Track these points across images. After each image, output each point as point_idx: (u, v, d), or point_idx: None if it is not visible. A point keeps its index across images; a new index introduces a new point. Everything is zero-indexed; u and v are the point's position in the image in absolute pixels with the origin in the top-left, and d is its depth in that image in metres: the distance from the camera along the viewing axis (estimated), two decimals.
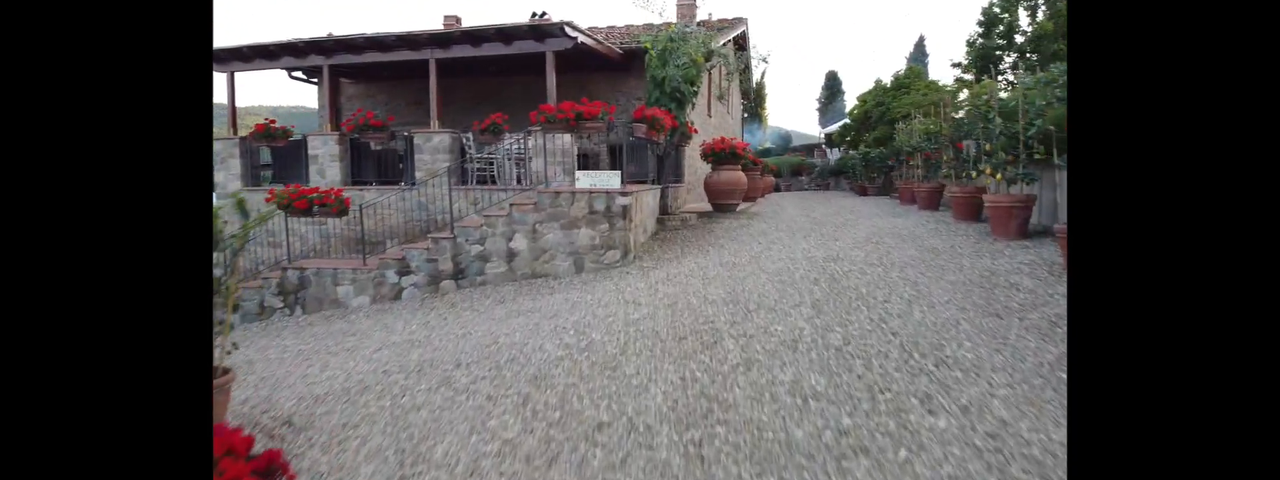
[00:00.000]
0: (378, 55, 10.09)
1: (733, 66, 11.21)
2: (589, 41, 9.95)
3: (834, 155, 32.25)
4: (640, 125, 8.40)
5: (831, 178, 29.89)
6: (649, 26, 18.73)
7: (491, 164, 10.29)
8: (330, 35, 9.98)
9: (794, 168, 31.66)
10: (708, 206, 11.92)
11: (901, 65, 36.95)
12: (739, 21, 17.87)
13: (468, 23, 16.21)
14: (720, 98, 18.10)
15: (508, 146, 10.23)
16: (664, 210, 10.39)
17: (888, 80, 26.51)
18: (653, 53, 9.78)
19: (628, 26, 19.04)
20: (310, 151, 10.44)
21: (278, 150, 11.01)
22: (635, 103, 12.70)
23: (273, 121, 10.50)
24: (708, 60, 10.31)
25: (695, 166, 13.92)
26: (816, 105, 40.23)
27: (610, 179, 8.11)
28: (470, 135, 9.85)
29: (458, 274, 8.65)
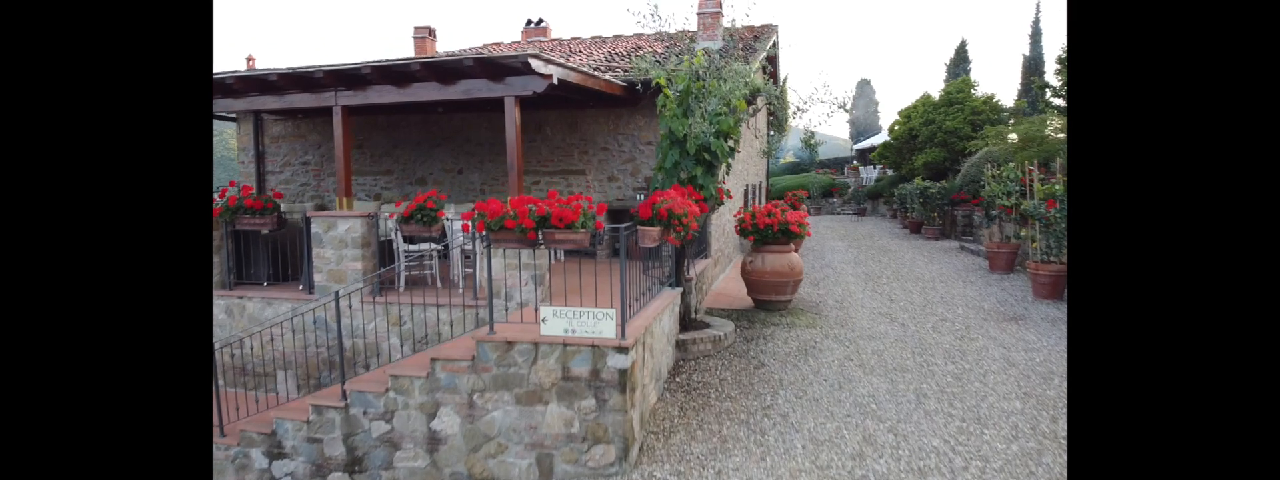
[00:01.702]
0: (264, 98, 6.80)
1: (778, 103, 7.83)
2: (572, 77, 6.61)
3: (868, 174, 28.63)
4: (651, 229, 5.04)
5: (867, 201, 26.39)
6: (662, 37, 15.40)
7: (425, 259, 6.98)
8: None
9: (824, 188, 28.16)
10: (742, 293, 8.55)
11: (939, 73, 33.20)
12: (769, 31, 14.47)
13: (448, 37, 12.85)
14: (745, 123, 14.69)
15: (453, 229, 6.92)
16: (685, 315, 7.02)
17: (933, 92, 22.97)
18: (668, 94, 6.41)
19: (636, 38, 15.72)
20: None
21: None
22: (644, 150, 9.33)
23: None
24: (752, 103, 6.92)
25: (723, 227, 10.54)
26: (847, 116, 36.63)
27: (599, 322, 4.76)
28: (393, 219, 6.53)
29: (353, 465, 5.36)
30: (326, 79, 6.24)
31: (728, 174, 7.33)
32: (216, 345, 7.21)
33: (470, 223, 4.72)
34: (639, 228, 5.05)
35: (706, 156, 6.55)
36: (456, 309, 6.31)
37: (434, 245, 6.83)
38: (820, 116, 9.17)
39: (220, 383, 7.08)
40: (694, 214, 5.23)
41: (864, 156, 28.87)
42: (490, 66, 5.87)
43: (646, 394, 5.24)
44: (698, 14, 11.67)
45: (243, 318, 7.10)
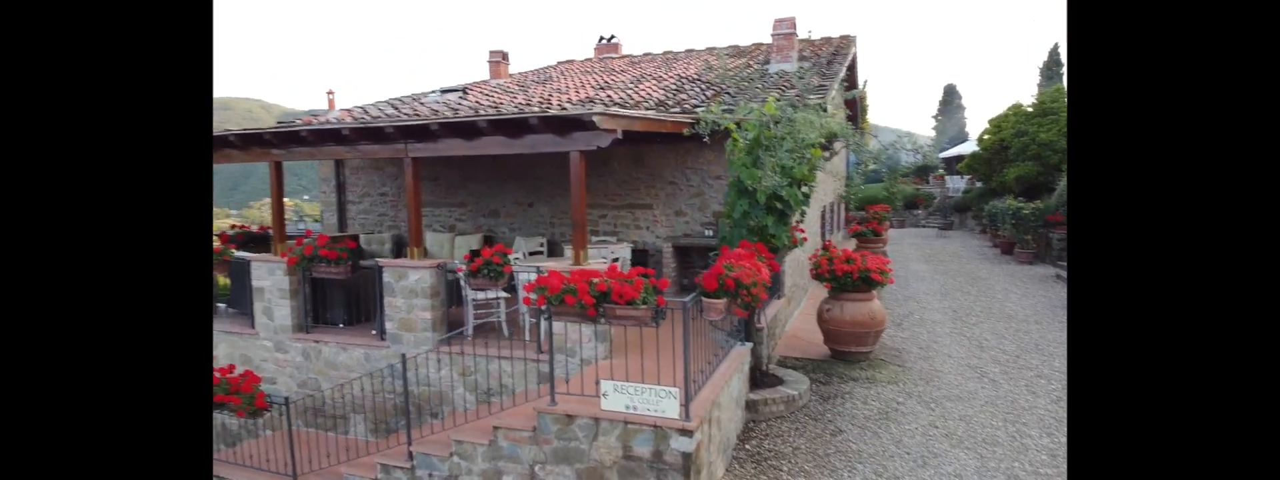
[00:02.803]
0: (337, 149, 6.96)
1: (853, 139, 7.36)
2: (636, 125, 6.43)
3: (955, 184, 27.12)
4: (716, 302, 4.78)
5: (954, 214, 24.98)
6: (736, 51, 14.99)
7: (493, 306, 6.97)
8: (268, 130, 6.91)
9: (908, 199, 26.84)
10: (818, 337, 8.13)
11: (1033, 78, 30.75)
12: (848, 43, 13.83)
13: (520, 57, 13.01)
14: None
15: (528, 279, 6.87)
16: (756, 368, 6.71)
17: (1025, 100, 21.43)
18: (738, 141, 6.12)
19: (708, 54, 15.39)
20: (255, 282, 7.48)
21: (231, 270, 8.16)
22: (713, 184, 9.04)
23: None
24: (828, 148, 6.53)
25: (797, 259, 10.11)
26: (933, 122, 34.87)
27: (661, 400, 4.55)
28: (463, 271, 6.54)
29: None
30: (396, 133, 6.31)
31: (803, 218, 6.95)
32: (295, 387, 7.46)
33: (531, 295, 4.60)
34: (704, 300, 4.80)
35: (778, 205, 6.22)
36: (520, 361, 6.26)
37: (502, 294, 6.80)
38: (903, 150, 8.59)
39: (298, 424, 7.32)
40: (765, 282, 4.92)
41: (951, 165, 27.38)
42: (555, 123, 5.76)
43: (713, 471, 4.99)
44: (772, 36, 11.25)
45: (319, 361, 7.31)
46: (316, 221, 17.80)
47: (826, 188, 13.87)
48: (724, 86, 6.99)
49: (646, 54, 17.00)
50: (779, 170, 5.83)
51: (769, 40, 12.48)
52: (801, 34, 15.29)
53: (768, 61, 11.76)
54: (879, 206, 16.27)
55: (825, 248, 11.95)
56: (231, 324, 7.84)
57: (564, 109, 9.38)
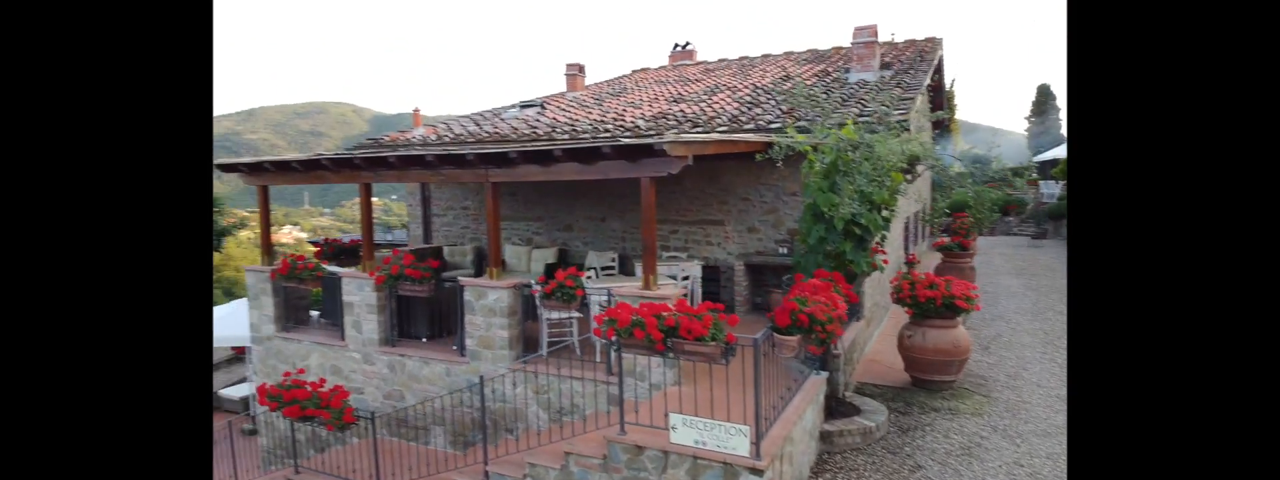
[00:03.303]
0: (422, 173, 7.28)
1: (938, 163, 7.05)
2: (708, 148, 6.40)
3: (1050, 189, 25.47)
4: (789, 339, 4.71)
5: (1049, 222, 23.48)
6: (814, 56, 14.64)
7: (566, 326, 7.10)
8: (358, 155, 7.30)
9: (998, 204, 25.39)
10: (898, 362, 7.85)
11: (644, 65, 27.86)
12: (934, 46, 13.25)
13: (596, 68, 13.24)
14: None
15: (600, 300, 6.98)
16: (832, 396, 6.56)
17: None
18: (814, 164, 5.99)
19: (784, 59, 15.11)
20: (345, 297, 7.92)
21: (323, 283, 8.67)
22: (788, 201, 8.89)
23: (300, 258, 8.13)
24: (911, 172, 6.29)
25: (879, 281, 9.79)
26: (1026, 124, 32.91)
27: (731, 437, 4.52)
28: (538, 293, 6.71)
29: None
30: (476, 160, 6.53)
31: (884, 241, 6.74)
32: (381, 397, 7.85)
33: (601, 327, 4.67)
34: (776, 336, 4.74)
35: (857, 230, 6.05)
36: (591, 383, 6.36)
37: (574, 314, 6.93)
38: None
39: (382, 433, 7.71)
40: (841, 318, 4.81)
41: (1044, 169, 25.78)
42: (627, 151, 5.81)
43: None
44: (852, 44, 10.93)
45: (403, 374, 7.67)
46: (403, 225, 18.67)
47: (910, 196, 13.36)
48: (800, 111, 6.84)
49: (721, 60, 16.86)
50: (857, 196, 5.66)
51: (849, 42, 12.14)
52: (884, 36, 14.80)
53: (847, 70, 11.43)
54: (963, 214, 15.52)
55: (908, 262, 11.54)
56: (323, 335, 8.34)
57: (637, 127, 9.46)
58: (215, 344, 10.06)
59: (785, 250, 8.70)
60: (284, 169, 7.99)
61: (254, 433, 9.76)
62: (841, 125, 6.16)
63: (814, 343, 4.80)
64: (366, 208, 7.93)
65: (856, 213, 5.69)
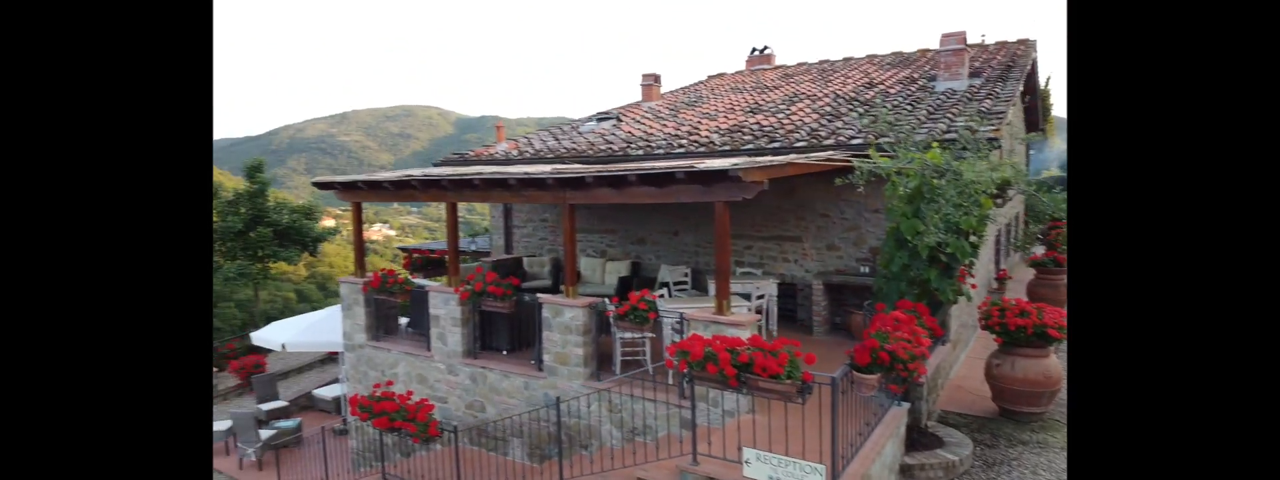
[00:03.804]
0: (504, 194, 7.52)
1: (1029, 188, 6.65)
2: (786, 171, 6.30)
3: None
4: (868, 377, 4.58)
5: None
6: (899, 59, 14.11)
7: (639, 345, 7.16)
8: (445, 178, 7.61)
9: None
10: (985, 389, 7.48)
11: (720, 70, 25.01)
12: (1027, 49, 12.50)
13: (671, 75, 13.30)
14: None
15: (673, 322, 7.01)
16: (913, 426, 6.33)
17: None
18: (897, 187, 5.79)
19: (868, 63, 14.63)
20: (432, 310, 8.29)
21: (412, 296, 9.10)
22: (870, 218, 8.62)
23: (391, 272, 8.56)
24: (1001, 197, 5.98)
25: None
26: None
27: (807, 475, 4.45)
28: (612, 314, 6.80)
29: None
30: (555, 184, 6.69)
31: (973, 267, 6.44)
32: (463, 407, 8.17)
33: (674, 359, 4.69)
34: (855, 374, 4.62)
35: (943, 257, 5.81)
36: (664, 405, 6.40)
37: (648, 334, 6.99)
38: None
39: (464, 442, 8.02)
40: (924, 355, 4.64)
41: None
42: (700, 176, 5.80)
43: None
44: (939, 51, 10.47)
45: (484, 385, 7.95)
46: (485, 230, 19.33)
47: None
48: (882, 133, 6.62)
49: (801, 64, 16.50)
50: (943, 224, 5.44)
51: (937, 47, 11.64)
52: (974, 38, 14.08)
53: (934, 77, 10.96)
54: (1060, 225, 14.57)
55: (998, 278, 10.95)
56: (411, 345, 8.75)
57: (711, 142, 9.40)
58: (311, 349, 10.73)
59: (867, 269, 8.45)
60: (376, 188, 8.44)
61: (345, 433, 10.36)
62: (927, 148, 5.91)
63: (894, 381, 4.65)
64: (453, 226, 8.26)
65: (942, 241, 5.47)
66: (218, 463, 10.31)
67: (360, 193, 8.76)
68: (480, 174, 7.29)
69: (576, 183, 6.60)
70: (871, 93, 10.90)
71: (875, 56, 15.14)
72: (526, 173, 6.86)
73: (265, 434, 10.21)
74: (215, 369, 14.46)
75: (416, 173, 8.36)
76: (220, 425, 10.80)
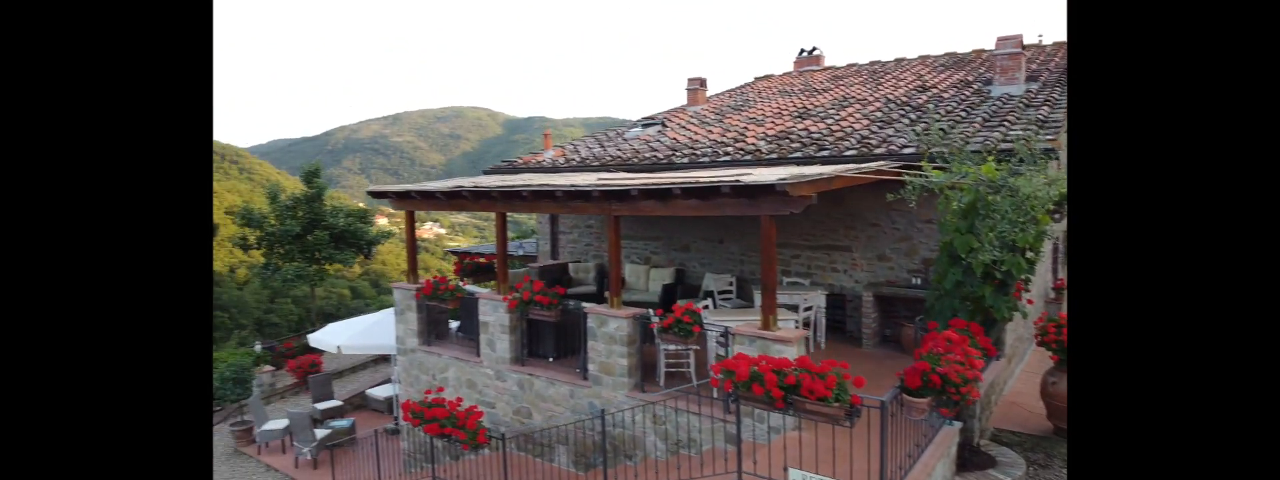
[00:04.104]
0: (551, 206, 7.63)
1: None
2: (834, 184, 6.20)
3: None
4: (919, 401, 4.49)
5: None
6: (953, 60, 13.72)
7: (683, 357, 7.17)
8: (495, 189, 7.76)
9: None
10: (1040, 406, 7.22)
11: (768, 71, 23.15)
12: None
13: (717, 77, 13.29)
14: None
15: (718, 336, 7.00)
16: (965, 445, 6.16)
17: None
18: (951, 202, 5.65)
19: (920, 64, 14.27)
20: (481, 317, 8.46)
21: (462, 303, 9.32)
22: (922, 228, 8.42)
23: (442, 279, 8.77)
24: (1059, 212, 5.77)
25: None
26: None
27: None
28: (656, 326, 6.82)
29: None
30: (600, 196, 6.74)
31: (1029, 283, 6.23)
32: (511, 413, 8.32)
33: (719, 377, 4.68)
34: (905, 397, 4.53)
35: (998, 274, 5.64)
36: (708, 418, 6.38)
37: (693, 346, 6.99)
38: None
39: (511, 447, 8.16)
40: (977, 378, 4.51)
41: None
42: (746, 190, 5.77)
43: None
44: (995, 54, 10.14)
45: (531, 392, 8.08)
46: (533, 231, 19.61)
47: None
48: (935, 144, 6.46)
49: (850, 65, 16.20)
50: (997, 242, 5.27)
51: (993, 48, 11.28)
52: (1030, 39, 13.58)
53: (990, 80, 10.63)
54: None
55: (1056, 288, 10.55)
56: (461, 351, 8.95)
57: (758, 149, 9.32)
58: (366, 351, 11.06)
59: (919, 281, 8.25)
60: (428, 198, 8.66)
61: (396, 432, 10.67)
62: (982, 162, 5.74)
63: (946, 405, 4.54)
64: (502, 234, 8.42)
65: (997, 259, 5.30)
66: (275, 461, 10.75)
67: (414, 202, 9.00)
68: (528, 186, 7.40)
69: (621, 195, 6.64)
70: (924, 97, 10.63)
71: (928, 57, 14.75)
72: (572, 185, 6.94)
73: (320, 433, 10.59)
74: (273, 368, 15.06)
75: (467, 183, 8.54)
76: (278, 424, 11.26)
